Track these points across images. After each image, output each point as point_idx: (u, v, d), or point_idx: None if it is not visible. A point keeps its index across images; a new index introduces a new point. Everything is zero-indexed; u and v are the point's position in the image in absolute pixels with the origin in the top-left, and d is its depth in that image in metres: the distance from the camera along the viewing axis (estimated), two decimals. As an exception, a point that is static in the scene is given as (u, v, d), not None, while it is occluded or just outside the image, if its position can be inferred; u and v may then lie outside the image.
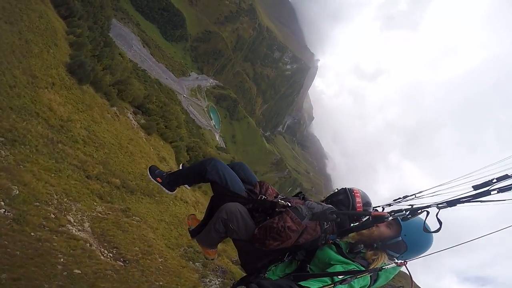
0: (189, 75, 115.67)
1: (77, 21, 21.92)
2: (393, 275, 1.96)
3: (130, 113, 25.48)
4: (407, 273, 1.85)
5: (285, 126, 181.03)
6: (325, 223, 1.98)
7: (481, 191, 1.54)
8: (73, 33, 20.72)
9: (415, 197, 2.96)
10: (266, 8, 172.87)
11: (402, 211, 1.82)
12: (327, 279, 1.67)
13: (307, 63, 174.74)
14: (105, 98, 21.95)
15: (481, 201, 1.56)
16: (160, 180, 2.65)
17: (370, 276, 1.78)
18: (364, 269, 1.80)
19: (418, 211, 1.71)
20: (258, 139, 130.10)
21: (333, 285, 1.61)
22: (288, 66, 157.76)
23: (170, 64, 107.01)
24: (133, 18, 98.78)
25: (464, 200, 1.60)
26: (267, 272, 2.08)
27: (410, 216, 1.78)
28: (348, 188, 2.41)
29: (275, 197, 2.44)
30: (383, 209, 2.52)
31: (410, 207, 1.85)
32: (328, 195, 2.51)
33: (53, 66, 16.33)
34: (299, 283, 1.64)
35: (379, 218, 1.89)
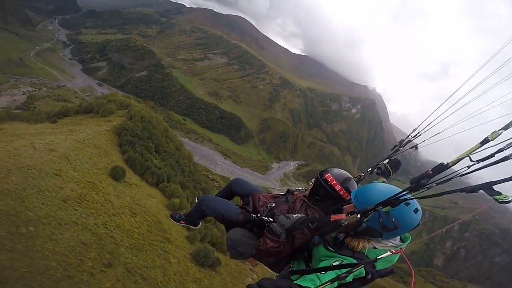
0: (272, 168, 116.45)
1: (176, 199, 17.34)
2: (393, 260, 1.98)
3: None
4: (405, 260, 1.93)
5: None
6: (311, 223, 2.10)
7: (417, 186, 1.61)
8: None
9: (411, 137, 2.96)
10: (294, 72, 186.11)
11: (355, 212, 1.91)
12: (316, 279, 1.77)
13: (368, 97, 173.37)
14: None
15: (420, 197, 1.67)
16: (183, 222, 3.35)
17: (365, 268, 1.84)
18: (351, 260, 1.89)
19: (369, 213, 1.82)
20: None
21: (329, 282, 1.71)
22: (353, 110, 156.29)
23: (253, 165, 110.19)
24: (204, 135, 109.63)
25: (404, 197, 1.68)
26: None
27: (364, 218, 1.86)
28: (322, 178, 2.54)
29: (266, 207, 2.73)
30: (380, 166, 2.89)
31: (361, 209, 1.91)
32: (310, 189, 2.65)
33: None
34: (297, 282, 1.77)
35: (337, 222, 1.98)
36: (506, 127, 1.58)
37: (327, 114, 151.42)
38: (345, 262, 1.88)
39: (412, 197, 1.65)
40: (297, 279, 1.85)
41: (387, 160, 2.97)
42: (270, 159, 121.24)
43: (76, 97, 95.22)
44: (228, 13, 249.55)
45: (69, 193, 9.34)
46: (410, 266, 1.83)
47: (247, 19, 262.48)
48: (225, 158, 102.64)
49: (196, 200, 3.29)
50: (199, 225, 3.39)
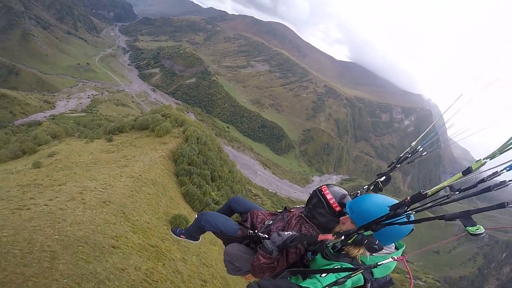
0: (313, 181, 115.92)
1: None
2: (391, 268, 2.07)
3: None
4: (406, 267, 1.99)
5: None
6: (300, 242, 2.33)
7: (394, 214, 1.68)
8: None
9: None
10: (339, 80, 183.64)
11: (340, 234, 2.05)
12: (316, 281, 1.88)
13: (423, 107, 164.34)
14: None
15: (399, 223, 1.70)
16: (184, 237, 3.61)
17: (363, 274, 1.90)
18: (350, 265, 1.97)
19: (353, 237, 1.94)
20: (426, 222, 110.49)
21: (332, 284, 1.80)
22: (406, 122, 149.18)
23: (292, 177, 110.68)
24: (246, 144, 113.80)
25: (383, 223, 1.76)
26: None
27: (348, 240, 1.98)
28: (318, 189, 2.70)
29: (263, 224, 2.93)
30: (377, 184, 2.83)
31: (345, 231, 2.04)
32: (307, 199, 2.81)
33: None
34: (299, 283, 1.90)
35: (323, 242, 2.21)
36: (491, 156, 1.52)
37: (377, 126, 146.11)
38: (344, 266, 1.96)
39: (390, 222, 1.72)
40: (296, 281, 2.01)
41: (384, 178, 3.05)
42: (311, 172, 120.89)
43: (132, 101, 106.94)
44: (267, 19, 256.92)
45: (133, 275, 7.53)
46: (410, 274, 1.90)
47: (287, 26, 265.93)
48: (264, 168, 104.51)
49: (196, 216, 3.50)
50: (199, 240, 3.59)
